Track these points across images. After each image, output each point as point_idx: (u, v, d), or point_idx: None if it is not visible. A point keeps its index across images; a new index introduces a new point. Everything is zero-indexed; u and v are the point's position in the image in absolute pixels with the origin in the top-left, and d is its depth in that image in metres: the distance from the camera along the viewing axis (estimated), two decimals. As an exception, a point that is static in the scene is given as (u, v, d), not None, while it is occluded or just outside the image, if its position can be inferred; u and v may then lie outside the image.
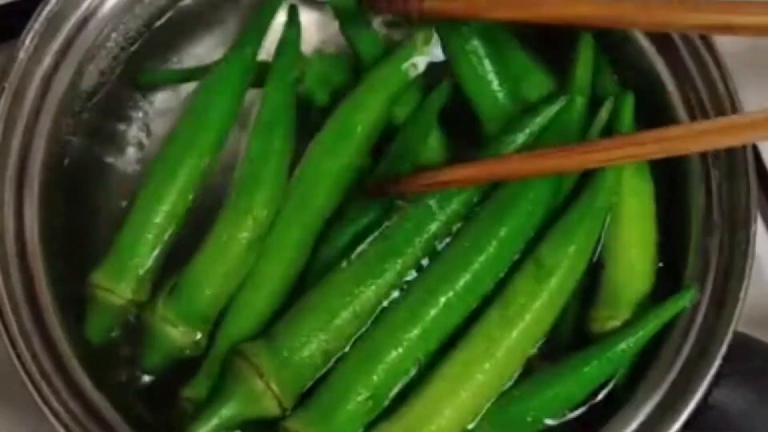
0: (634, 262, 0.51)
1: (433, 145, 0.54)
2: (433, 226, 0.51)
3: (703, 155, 0.51)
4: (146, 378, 0.51)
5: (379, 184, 0.52)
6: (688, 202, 0.52)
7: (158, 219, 0.51)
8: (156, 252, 0.51)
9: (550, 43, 0.55)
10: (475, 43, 0.54)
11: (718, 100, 0.51)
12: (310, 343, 0.48)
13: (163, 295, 0.50)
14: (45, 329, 0.48)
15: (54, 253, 0.51)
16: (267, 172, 0.52)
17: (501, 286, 0.50)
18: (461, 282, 0.49)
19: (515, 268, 0.50)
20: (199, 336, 0.50)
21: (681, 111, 0.53)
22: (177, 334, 0.50)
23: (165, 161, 0.53)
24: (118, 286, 0.50)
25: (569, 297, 0.50)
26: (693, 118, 0.52)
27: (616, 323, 0.50)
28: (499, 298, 0.49)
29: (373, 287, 0.49)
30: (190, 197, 0.52)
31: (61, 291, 0.50)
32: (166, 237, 0.51)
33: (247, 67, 0.55)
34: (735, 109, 0.51)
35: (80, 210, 0.54)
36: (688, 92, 0.52)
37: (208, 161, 0.53)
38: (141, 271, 0.51)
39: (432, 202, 0.51)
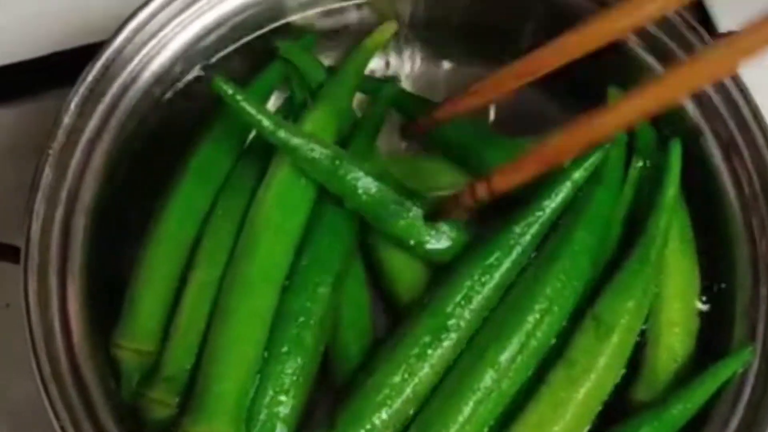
0: (677, 341, 0.51)
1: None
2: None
3: (749, 225, 0.51)
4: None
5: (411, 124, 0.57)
6: (734, 273, 0.51)
7: (159, 278, 0.52)
8: (162, 310, 0.52)
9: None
10: None
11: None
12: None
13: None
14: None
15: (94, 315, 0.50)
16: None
17: (562, 344, 0.50)
18: (514, 342, 0.49)
19: (575, 325, 0.50)
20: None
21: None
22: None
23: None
24: (131, 344, 0.51)
25: (631, 352, 0.50)
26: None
27: (655, 397, 0.50)
28: (562, 358, 0.49)
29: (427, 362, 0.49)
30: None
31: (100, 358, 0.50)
32: (170, 295, 0.52)
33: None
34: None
35: (122, 272, 0.54)
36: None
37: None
38: (151, 328, 0.51)
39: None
